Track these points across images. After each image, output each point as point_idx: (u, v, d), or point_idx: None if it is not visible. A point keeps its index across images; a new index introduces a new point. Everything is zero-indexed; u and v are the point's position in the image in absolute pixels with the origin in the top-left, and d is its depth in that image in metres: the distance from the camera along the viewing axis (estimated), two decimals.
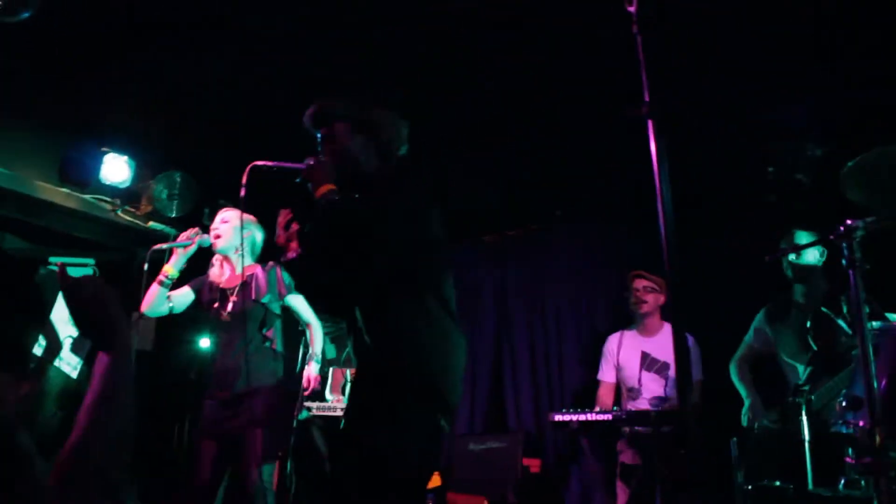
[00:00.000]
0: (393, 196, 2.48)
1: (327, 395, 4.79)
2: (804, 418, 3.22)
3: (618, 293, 5.07)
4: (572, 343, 5.73)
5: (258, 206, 3.18)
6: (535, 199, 6.00)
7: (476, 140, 5.56)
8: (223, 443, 3.77)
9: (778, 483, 2.90)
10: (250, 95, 5.77)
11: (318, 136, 2.71)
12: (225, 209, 4.19)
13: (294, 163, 2.62)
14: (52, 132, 6.02)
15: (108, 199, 6.28)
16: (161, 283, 4.00)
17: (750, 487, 3.01)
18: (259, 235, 4.18)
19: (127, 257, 6.91)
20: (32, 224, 6.24)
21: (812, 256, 4.10)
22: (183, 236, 4.06)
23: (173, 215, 6.42)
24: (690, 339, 4.73)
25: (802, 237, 4.06)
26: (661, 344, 4.78)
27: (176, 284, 4.11)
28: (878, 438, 1.86)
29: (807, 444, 3.19)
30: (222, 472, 3.78)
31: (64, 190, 6.10)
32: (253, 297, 3.96)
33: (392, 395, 2.33)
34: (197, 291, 4.17)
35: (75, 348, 4.83)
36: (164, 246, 4.09)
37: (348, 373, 4.71)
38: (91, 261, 6.65)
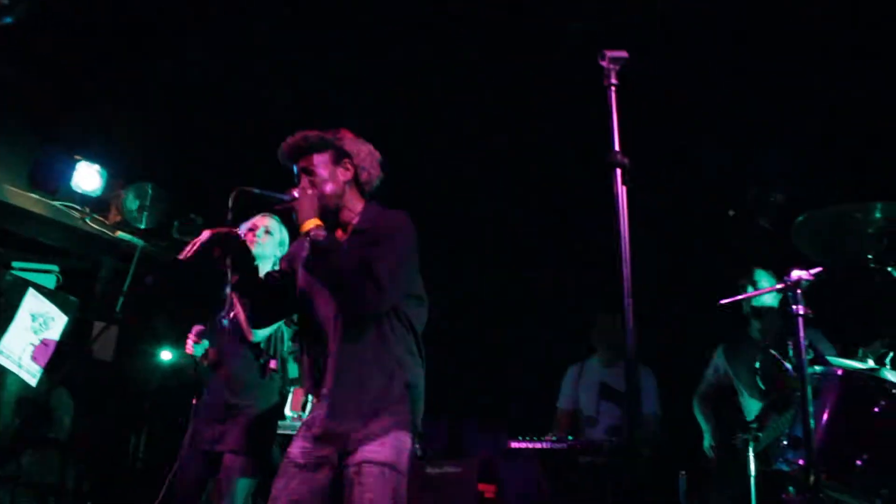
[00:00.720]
0: (391, 235, 2.53)
1: (287, 412, 4.81)
2: (751, 454, 3.35)
3: (582, 327, 5.18)
4: (533, 371, 5.82)
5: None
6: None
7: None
8: (207, 457, 3.68)
9: None
10: (227, 112, 5.85)
11: (295, 168, 2.69)
12: (265, 216, 3.92)
13: (279, 192, 2.59)
14: (25, 137, 6.01)
15: (77, 206, 6.26)
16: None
17: None
18: (287, 245, 3.90)
19: (91, 265, 6.89)
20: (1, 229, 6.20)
21: (768, 297, 4.25)
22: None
23: (142, 227, 6.41)
24: (648, 372, 4.87)
25: (761, 276, 4.22)
26: (621, 374, 4.89)
27: None
28: (812, 477, 1.99)
29: (752, 479, 3.32)
30: (202, 487, 3.72)
31: (33, 195, 6.07)
32: None
33: (382, 420, 2.43)
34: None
35: (35, 356, 4.83)
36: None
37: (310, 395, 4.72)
38: (55, 267, 6.64)
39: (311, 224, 2.47)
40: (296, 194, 2.55)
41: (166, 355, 7.22)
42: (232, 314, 3.74)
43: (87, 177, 6.12)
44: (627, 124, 2.01)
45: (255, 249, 3.69)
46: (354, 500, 2.34)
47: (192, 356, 3.88)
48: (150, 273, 4.17)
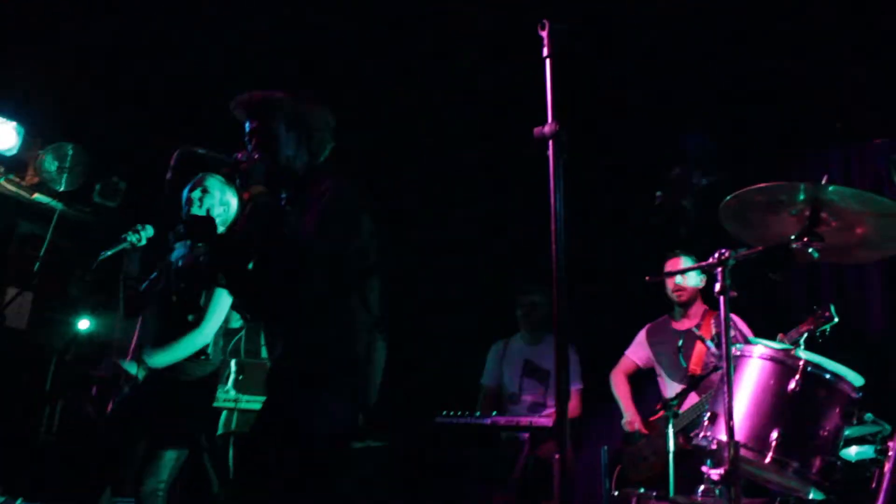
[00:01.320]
0: (326, 199, 2.46)
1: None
2: (670, 431, 3.43)
3: (507, 303, 5.20)
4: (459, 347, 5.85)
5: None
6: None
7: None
8: (133, 426, 3.60)
9: (642, 490, 3.09)
10: (153, 71, 5.65)
11: (247, 126, 2.61)
12: (205, 176, 3.75)
13: (225, 154, 2.52)
14: None
15: None
16: (130, 288, 3.75)
17: (616, 493, 3.18)
18: (235, 205, 3.78)
19: (6, 228, 6.59)
20: None
21: (692, 280, 4.35)
22: (131, 237, 3.70)
23: (61, 189, 6.15)
24: (572, 349, 4.93)
25: (685, 259, 4.30)
26: (545, 352, 4.96)
27: None
28: (732, 452, 2.04)
29: (671, 455, 3.40)
30: (129, 464, 3.64)
31: None
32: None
33: (315, 390, 2.38)
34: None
35: None
36: (109, 252, 3.71)
37: (232, 364, 4.63)
38: None
39: (256, 190, 2.43)
40: (240, 156, 2.49)
41: (84, 324, 7.00)
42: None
43: (3, 134, 5.83)
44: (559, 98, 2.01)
45: (192, 210, 3.62)
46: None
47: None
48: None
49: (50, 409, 5.91)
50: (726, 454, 2.06)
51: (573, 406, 4.77)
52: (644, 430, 4.26)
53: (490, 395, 5.04)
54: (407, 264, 5.47)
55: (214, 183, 3.73)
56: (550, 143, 1.91)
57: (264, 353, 4.23)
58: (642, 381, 4.60)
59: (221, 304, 3.62)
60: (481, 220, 5.86)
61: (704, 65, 4.53)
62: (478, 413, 4.57)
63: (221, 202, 3.72)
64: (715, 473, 2.10)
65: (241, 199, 2.76)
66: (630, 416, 4.33)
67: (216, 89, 5.60)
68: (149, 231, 3.75)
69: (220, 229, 3.57)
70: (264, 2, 5.06)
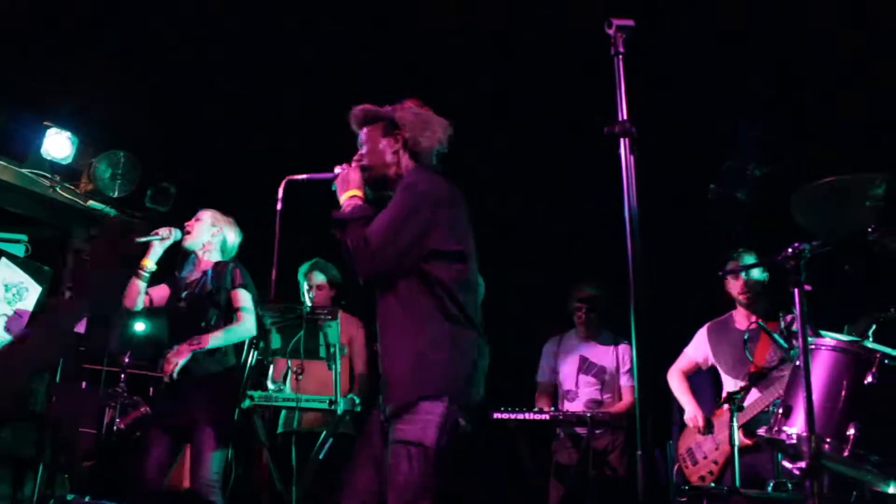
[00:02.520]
0: (399, 196, 2.48)
1: (269, 384, 4.77)
2: (735, 426, 3.40)
3: (561, 300, 5.18)
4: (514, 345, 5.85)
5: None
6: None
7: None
8: (171, 433, 3.81)
9: (713, 484, 3.06)
10: (202, 79, 5.74)
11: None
12: (203, 210, 4.28)
13: (326, 173, 2.67)
14: None
15: (47, 174, 6.12)
16: (140, 277, 4.06)
17: (686, 488, 3.16)
18: (232, 236, 4.28)
19: (62, 235, 6.75)
20: None
21: (755, 275, 4.25)
22: (161, 230, 4.11)
23: (114, 195, 6.29)
24: (627, 345, 4.91)
25: (748, 258, 4.22)
26: (600, 349, 4.95)
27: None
28: (813, 445, 2.02)
29: (736, 450, 3.38)
30: (169, 462, 3.82)
31: (1, 162, 5.91)
32: (207, 288, 4.05)
33: (410, 391, 2.37)
34: (171, 286, 4.25)
35: (8, 327, 4.73)
36: (142, 239, 4.13)
37: (290, 362, 4.70)
38: (23, 237, 6.50)
39: (346, 196, 2.53)
40: (337, 170, 2.62)
41: (139, 326, 7.16)
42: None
43: (58, 144, 5.99)
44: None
45: (187, 241, 4.15)
46: (388, 481, 2.31)
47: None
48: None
49: (110, 410, 6.04)
50: (806, 448, 2.04)
51: (631, 402, 4.75)
52: (702, 425, 4.20)
53: (546, 392, 5.04)
54: None
55: (206, 214, 4.25)
56: (623, 140, 1.91)
57: (322, 352, 4.28)
58: (692, 380, 4.53)
59: (250, 301, 4.06)
60: (535, 217, 5.85)
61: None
62: (535, 409, 4.60)
63: (212, 226, 4.20)
64: (795, 468, 2.08)
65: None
66: (692, 411, 4.27)
67: (264, 95, 5.81)
68: (177, 235, 4.15)
69: (219, 248, 4.19)
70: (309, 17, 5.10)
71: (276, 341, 4.31)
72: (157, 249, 4.11)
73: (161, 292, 4.24)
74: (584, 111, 3.58)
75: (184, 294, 4.11)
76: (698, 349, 4.50)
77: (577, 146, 4.79)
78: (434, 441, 2.29)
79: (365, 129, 2.69)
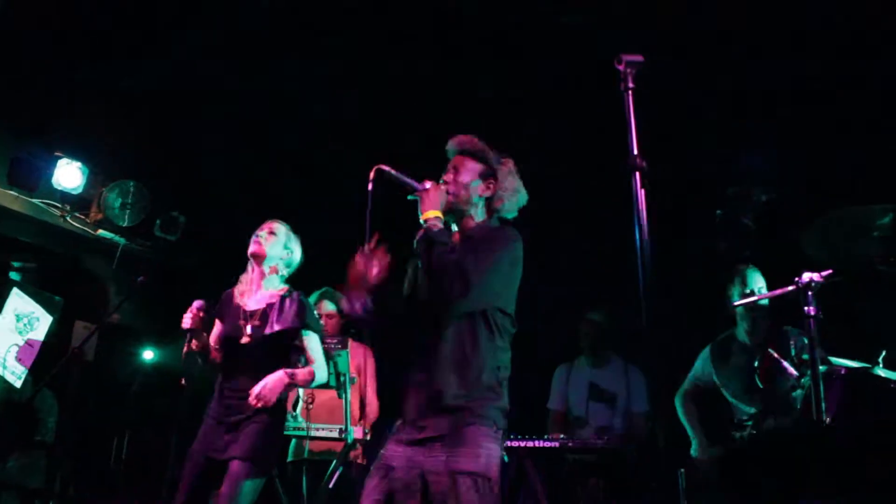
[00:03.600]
0: (489, 242, 2.61)
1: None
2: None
3: (570, 327, 5.19)
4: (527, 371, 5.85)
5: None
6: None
7: None
8: (210, 466, 3.54)
9: None
10: (209, 110, 5.80)
11: (451, 159, 2.80)
12: (274, 221, 3.87)
13: (413, 180, 2.69)
14: (2, 133, 5.90)
15: (57, 204, 6.17)
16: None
17: None
18: (298, 256, 3.88)
19: (71, 264, 6.79)
20: None
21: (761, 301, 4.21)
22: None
23: (125, 224, 6.33)
24: (637, 371, 4.91)
25: (752, 275, 4.18)
26: (609, 375, 4.95)
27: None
28: None
29: None
30: (203, 497, 3.53)
31: (11, 192, 5.96)
32: (275, 326, 3.65)
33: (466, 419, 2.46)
34: (222, 317, 3.80)
35: (20, 357, 4.75)
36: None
37: (301, 391, 4.72)
38: (34, 266, 6.50)
39: (432, 214, 2.59)
40: (427, 185, 2.66)
41: (148, 355, 7.16)
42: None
43: (68, 174, 6.04)
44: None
45: (254, 248, 3.74)
46: None
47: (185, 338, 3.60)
48: (140, 273, 4.10)
49: (118, 439, 6.05)
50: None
51: (642, 429, 4.74)
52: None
53: (557, 419, 5.03)
54: None
55: (282, 228, 3.84)
56: (635, 174, 1.94)
57: (332, 381, 4.29)
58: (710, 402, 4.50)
59: (320, 346, 3.78)
60: (541, 244, 5.87)
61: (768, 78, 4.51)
62: (546, 436, 4.59)
63: (286, 247, 3.81)
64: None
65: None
66: (701, 442, 4.25)
67: (272, 126, 5.87)
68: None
69: (285, 272, 3.82)
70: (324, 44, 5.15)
71: None
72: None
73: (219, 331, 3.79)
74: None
75: (249, 329, 3.65)
76: (703, 371, 4.46)
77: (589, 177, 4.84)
78: (497, 473, 2.41)
79: (464, 159, 2.76)
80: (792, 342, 3.79)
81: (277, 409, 3.60)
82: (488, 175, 2.74)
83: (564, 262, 5.75)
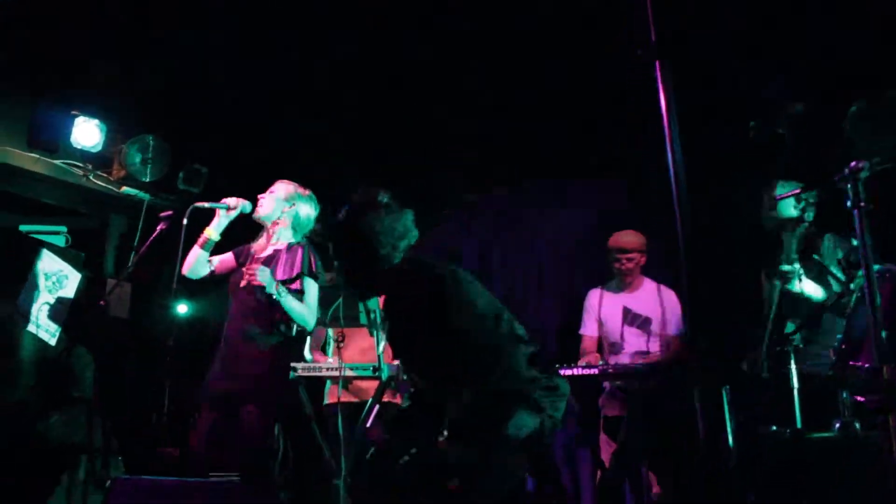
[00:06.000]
0: None
1: (306, 354, 4.74)
2: (792, 366, 3.27)
3: (598, 249, 5.02)
4: (553, 297, 5.73)
5: None
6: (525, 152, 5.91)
7: (463, 84, 5.51)
8: (221, 407, 3.70)
9: (774, 427, 2.94)
10: (224, 59, 5.68)
11: None
12: (279, 181, 4.11)
13: None
14: (20, 95, 5.85)
15: (79, 164, 6.13)
16: (202, 246, 3.92)
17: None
18: (306, 210, 4.07)
19: (100, 224, 6.79)
20: (2, 191, 6.08)
21: (790, 209, 4.04)
22: (229, 200, 3.97)
23: (147, 180, 6.28)
24: (673, 294, 4.76)
25: (784, 188, 4.00)
26: (643, 299, 4.80)
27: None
28: (885, 376, 1.88)
29: (795, 391, 3.24)
30: (218, 440, 3.71)
31: (33, 155, 5.93)
32: (277, 274, 3.87)
33: None
34: (236, 257, 4.08)
35: (52, 315, 4.75)
36: (206, 205, 3.99)
37: (330, 332, 4.67)
38: (63, 228, 6.54)
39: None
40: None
41: (182, 308, 7.19)
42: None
43: (87, 132, 5.99)
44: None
45: (257, 213, 4.03)
46: None
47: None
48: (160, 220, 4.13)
49: (158, 392, 6.09)
50: (878, 380, 1.90)
51: (680, 351, 4.61)
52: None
53: (591, 345, 4.91)
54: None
55: (282, 186, 4.10)
56: (657, 64, 1.78)
57: (363, 318, 4.24)
58: None
59: (316, 295, 3.96)
60: (569, 163, 5.70)
61: None
62: (582, 363, 4.50)
63: (287, 202, 4.05)
64: (871, 402, 1.95)
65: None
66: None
67: (292, 73, 5.74)
68: (246, 207, 3.97)
69: (294, 225, 4.01)
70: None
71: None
72: (221, 219, 3.94)
73: (227, 263, 4.08)
74: None
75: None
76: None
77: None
78: None
79: None
80: (838, 246, 3.60)
81: (283, 346, 3.79)
82: None
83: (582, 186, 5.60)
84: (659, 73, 1.79)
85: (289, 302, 3.79)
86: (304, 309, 3.87)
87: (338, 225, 2.71)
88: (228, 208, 3.94)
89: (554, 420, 2.67)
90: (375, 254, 2.63)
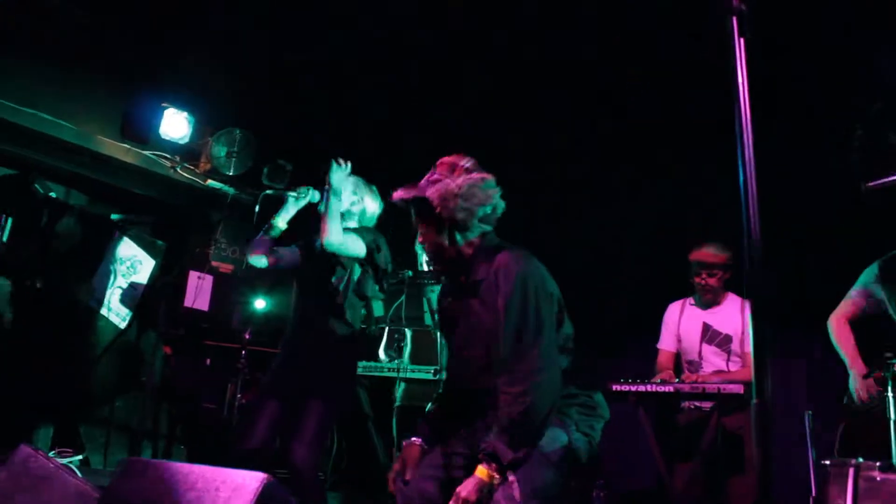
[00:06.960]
0: None
1: (381, 354, 4.63)
2: (890, 394, 2.91)
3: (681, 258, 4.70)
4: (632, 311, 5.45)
5: None
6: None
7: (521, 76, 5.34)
8: (283, 403, 3.55)
9: (861, 459, 2.60)
10: (314, 56, 5.68)
11: None
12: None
13: None
14: (113, 86, 5.99)
15: (167, 155, 6.24)
16: (266, 233, 3.80)
17: (828, 462, 2.69)
18: (372, 206, 3.91)
19: (185, 215, 6.89)
20: (96, 180, 6.24)
21: None
22: (300, 189, 3.84)
23: (230, 173, 6.33)
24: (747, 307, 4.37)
25: None
26: (724, 315, 4.45)
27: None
28: None
29: (892, 423, 2.89)
30: (275, 433, 3.54)
31: (125, 145, 6.07)
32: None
33: None
34: (301, 249, 3.93)
35: (124, 299, 4.81)
36: (272, 192, 3.92)
37: (409, 334, 4.53)
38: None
39: None
40: None
41: (260, 304, 7.23)
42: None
43: (176, 124, 6.09)
44: None
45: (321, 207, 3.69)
46: None
47: None
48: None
49: (232, 386, 6.11)
50: None
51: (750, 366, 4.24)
52: (865, 398, 3.59)
53: (667, 361, 4.60)
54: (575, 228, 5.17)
55: (350, 179, 3.79)
56: (733, 19, 1.56)
57: (427, 319, 4.09)
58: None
59: (364, 246, 3.67)
60: (653, 180, 5.44)
61: None
62: (657, 379, 4.21)
63: (353, 193, 3.80)
64: None
65: None
66: (859, 371, 3.66)
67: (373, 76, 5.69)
68: (313, 196, 3.80)
69: (357, 217, 3.82)
70: None
71: (378, 309, 4.16)
72: (289, 208, 3.83)
73: (293, 255, 3.91)
74: None
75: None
76: (864, 294, 3.87)
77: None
78: None
79: None
80: None
81: (351, 340, 3.55)
82: None
83: (671, 196, 5.30)
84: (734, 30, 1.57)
85: (336, 209, 3.57)
86: (345, 236, 3.60)
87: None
88: (297, 196, 3.80)
89: (590, 439, 2.46)
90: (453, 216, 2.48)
